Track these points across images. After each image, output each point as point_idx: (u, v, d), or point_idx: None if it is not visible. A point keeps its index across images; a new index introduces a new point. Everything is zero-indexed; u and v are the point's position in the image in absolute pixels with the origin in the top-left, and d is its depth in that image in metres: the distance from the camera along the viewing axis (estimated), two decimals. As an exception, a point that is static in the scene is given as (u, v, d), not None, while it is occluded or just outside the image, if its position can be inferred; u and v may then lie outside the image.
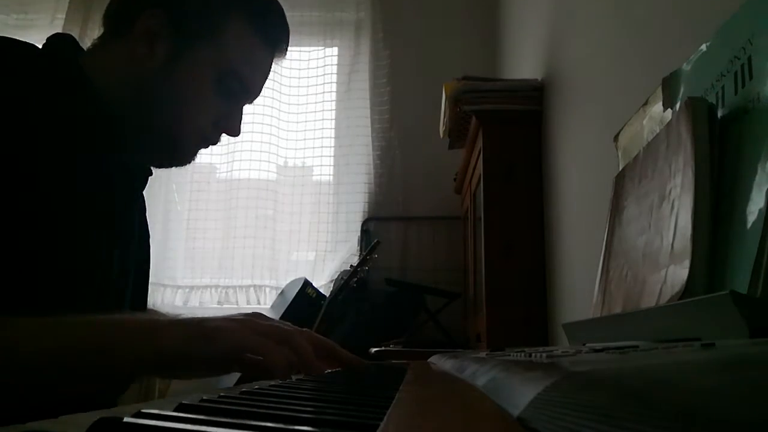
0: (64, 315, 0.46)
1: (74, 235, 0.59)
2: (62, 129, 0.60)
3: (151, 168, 0.76)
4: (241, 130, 0.73)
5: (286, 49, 0.79)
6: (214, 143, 0.72)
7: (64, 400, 0.46)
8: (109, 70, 0.66)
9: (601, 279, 0.60)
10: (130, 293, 0.74)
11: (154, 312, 0.83)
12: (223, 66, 0.68)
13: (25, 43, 0.61)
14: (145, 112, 0.66)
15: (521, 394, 0.19)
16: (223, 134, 0.72)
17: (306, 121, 2.73)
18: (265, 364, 0.48)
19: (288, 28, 0.78)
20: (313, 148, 2.71)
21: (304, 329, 0.56)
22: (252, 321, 0.52)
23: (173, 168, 0.74)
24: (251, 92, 0.73)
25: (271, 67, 0.77)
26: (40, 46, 0.63)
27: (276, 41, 0.76)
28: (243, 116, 0.74)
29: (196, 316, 0.52)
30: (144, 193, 0.78)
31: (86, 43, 0.69)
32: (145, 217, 0.81)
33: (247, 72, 0.70)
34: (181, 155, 0.71)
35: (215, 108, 0.69)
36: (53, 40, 0.66)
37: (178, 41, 0.66)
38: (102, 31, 0.69)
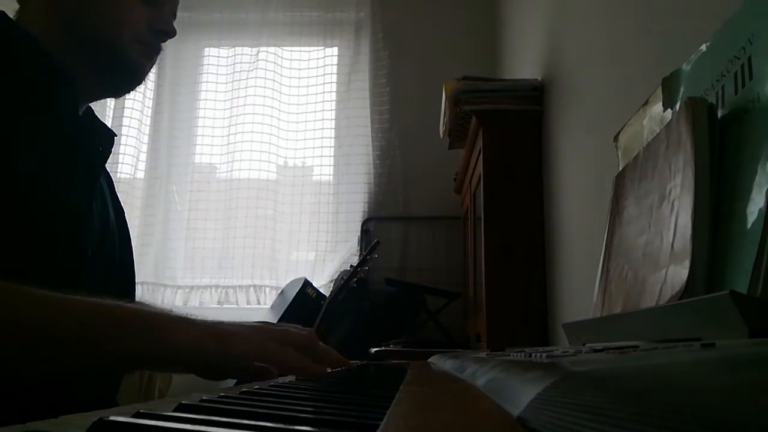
0: (76, 293, 0.46)
1: (47, 198, 0.60)
2: (21, 93, 0.62)
3: (114, 133, 0.78)
4: (176, 31, 0.77)
5: None
6: (156, 49, 0.76)
7: (62, 382, 0.46)
8: (41, 24, 0.68)
9: (601, 279, 0.60)
10: (118, 265, 0.75)
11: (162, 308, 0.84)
12: None
13: None
14: (82, 39, 0.69)
15: (521, 394, 0.19)
16: (162, 34, 0.75)
17: (306, 121, 2.73)
18: (287, 372, 0.49)
19: None
20: (313, 148, 2.71)
21: (309, 330, 0.57)
22: (265, 327, 0.52)
23: (131, 89, 0.77)
24: None
25: None
26: None
27: None
28: (175, 16, 0.78)
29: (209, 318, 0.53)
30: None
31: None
32: (114, 190, 0.83)
33: None
34: (127, 65, 0.72)
35: (143, 12, 0.72)
36: None
37: None
38: None
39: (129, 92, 0.79)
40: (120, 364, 0.48)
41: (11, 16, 0.68)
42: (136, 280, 0.90)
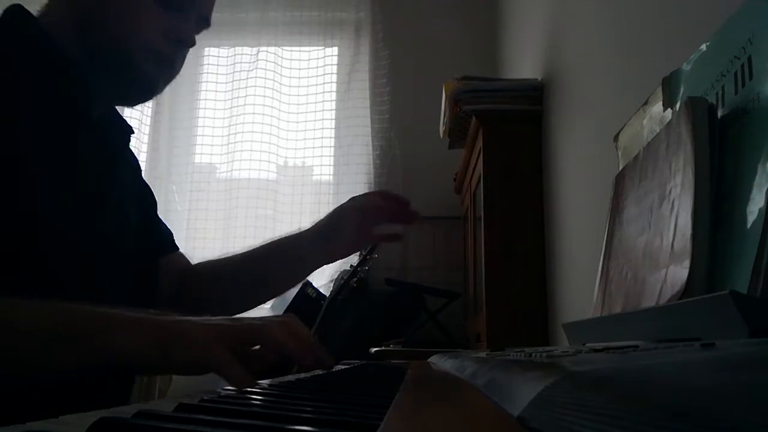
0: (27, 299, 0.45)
1: (52, 195, 0.60)
2: (40, 94, 0.61)
3: (131, 127, 0.79)
4: (194, 41, 0.73)
5: None
6: (172, 58, 0.72)
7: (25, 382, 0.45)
8: (61, 22, 0.67)
9: (601, 279, 0.60)
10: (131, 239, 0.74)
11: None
12: None
13: None
14: (96, 42, 0.67)
15: (521, 394, 0.19)
16: (178, 44, 0.72)
17: (306, 121, 2.73)
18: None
19: None
20: (313, 148, 2.71)
21: (287, 318, 0.53)
22: (222, 326, 0.48)
23: (146, 102, 0.76)
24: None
25: None
26: None
27: None
28: (197, 26, 0.75)
29: (175, 316, 0.49)
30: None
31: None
32: (141, 175, 0.83)
33: None
34: (141, 76, 0.70)
35: (161, 19, 0.69)
36: (8, 11, 0.66)
37: None
38: None
39: (142, 102, 0.77)
40: (62, 373, 0.45)
41: (35, 12, 0.68)
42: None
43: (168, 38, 0.70)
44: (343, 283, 2.09)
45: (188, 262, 0.91)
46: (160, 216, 0.89)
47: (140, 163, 0.87)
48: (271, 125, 2.70)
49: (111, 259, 0.68)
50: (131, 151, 0.82)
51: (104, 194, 0.68)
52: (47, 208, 0.58)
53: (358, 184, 2.60)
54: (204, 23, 0.76)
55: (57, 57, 0.65)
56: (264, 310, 2.39)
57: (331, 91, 2.74)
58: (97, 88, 0.69)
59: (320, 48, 2.78)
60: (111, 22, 0.67)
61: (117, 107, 0.79)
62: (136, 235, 0.75)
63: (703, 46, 0.48)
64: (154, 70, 0.70)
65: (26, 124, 0.59)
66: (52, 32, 0.66)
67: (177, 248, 0.90)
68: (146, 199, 0.84)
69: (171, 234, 0.90)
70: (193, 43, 0.73)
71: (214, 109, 2.78)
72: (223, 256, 0.93)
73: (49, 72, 0.64)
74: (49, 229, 0.58)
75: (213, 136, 2.75)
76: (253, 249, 0.90)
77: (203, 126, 2.77)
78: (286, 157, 2.72)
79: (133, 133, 0.80)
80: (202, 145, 2.74)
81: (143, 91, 0.73)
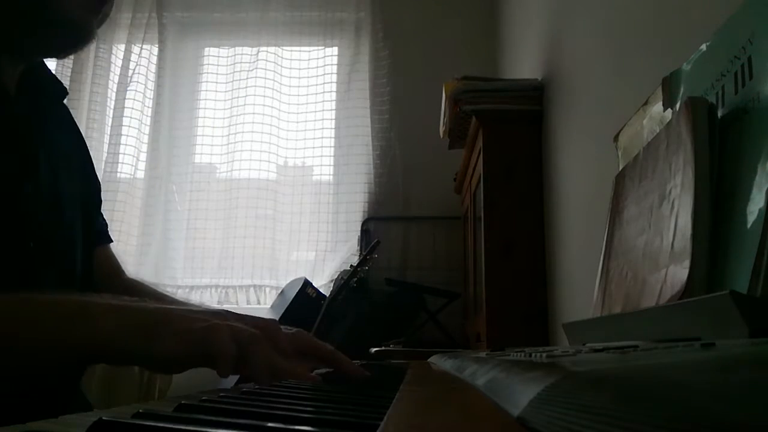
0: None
1: None
2: None
3: (65, 87, 0.72)
4: None
5: None
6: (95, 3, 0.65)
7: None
8: None
9: (601, 279, 0.60)
10: (78, 226, 0.70)
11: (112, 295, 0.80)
12: None
13: None
14: None
15: (521, 394, 0.19)
16: None
17: (306, 121, 2.73)
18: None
19: None
20: (313, 148, 2.71)
21: (273, 325, 0.51)
22: (210, 318, 0.46)
23: (75, 49, 0.66)
24: None
25: None
26: None
27: None
28: None
29: (153, 304, 0.47)
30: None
31: None
32: (78, 131, 0.76)
33: None
34: (66, 21, 0.62)
35: None
36: None
37: None
38: None
39: (75, 52, 0.68)
40: (39, 361, 0.43)
41: None
42: (141, 277, 0.88)
43: None
44: (343, 283, 2.09)
45: (118, 264, 0.86)
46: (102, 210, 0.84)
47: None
48: (271, 125, 2.70)
49: (38, 234, 0.63)
50: (67, 111, 0.75)
51: (19, 182, 0.62)
52: None
53: (358, 184, 2.60)
54: None
55: None
56: (264, 310, 2.39)
57: (331, 91, 2.74)
58: (16, 45, 0.62)
59: (320, 48, 2.78)
60: None
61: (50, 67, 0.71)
62: (75, 209, 0.70)
63: (703, 46, 0.48)
64: (81, 12, 0.62)
65: None
66: None
67: (111, 239, 0.85)
68: (88, 177, 0.77)
69: (106, 224, 0.85)
70: None
71: (214, 109, 2.78)
72: (152, 288, 0.87)
73: None
74: None
75: (213, 136, 2.76)
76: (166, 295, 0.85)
77: (203, 126, 2.77)
78: (286, 157, 2.72)
79: (66, 93, 0.73)
80: (202, 145, 2.74)
81: (73, 37, 0.64)
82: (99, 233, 0.81)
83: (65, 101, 0.77)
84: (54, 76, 0.73)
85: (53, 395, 0.62)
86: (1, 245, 0.58)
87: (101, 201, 0.82)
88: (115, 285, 0.82)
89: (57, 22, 0.61)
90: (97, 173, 0.82)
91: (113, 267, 0.84)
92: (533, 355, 0.31)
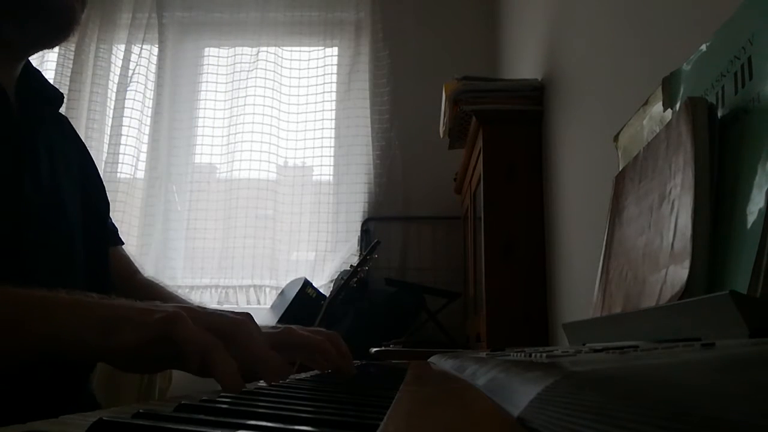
0: None
1: None
2: None
3: (62, 93, 0.73)
4: None
5: None
6: None
7: None
8: None
9: (601, 279, 0.60)
10: (79, 224, 0.71)
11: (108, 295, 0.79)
12: None
13: None
14: None
15: (521, 394, 0.19)
16: None
17: (306, 121, 2.73)
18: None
19: None
20: (313, 148, 2.71)
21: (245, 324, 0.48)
22: (179, 313, 0.43)
23: (61, 38, 0.67)
24: None
25: None
26: None
27: None
28: None
29: (120, 299, 0.46)
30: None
31: None
32: (85, 147, 0.78)
33: None
34: (56, 8, 0.63)
35: None
36: None
37: None
38: None
39: (63, 41, 0.68)
40: (9, 359, 0.42)
41: None
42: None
43: None
44: (343, 283, 2.09)
45: (133, 265, 0.86)
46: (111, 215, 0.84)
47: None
48: (271, 125, 2.70)
49: (41, 239, 0.63)
50: (66, 119, 0.76)
51: (17, 174, 0.62)
52: None
53: (358, 184, 2.60)
54: None
55: None
56: (264, 310, 2.39)
57: (331, 91, 2.74)
58: (5, 40, 0.63)
59: (320, 48, 2.78)
60: None
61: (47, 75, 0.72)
62: (81, 216, 0.71)
63: (703, 46, 0.48)
64: (65, 2, 0.63)
65: None
66: None
67: (122, 242, 0.85)
68: (91, 180, 0.78)
69: (116, 227, 0.86)
70: None
71: (214, 109, 2.78)
72: (167, 288, 0.87)
73: None
74: None
75: (213, 136, 2.76)
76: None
77: (203, 126, 2.77)
78: (286, 157, 2.72)
79: (62, 97, 0.74)
80: (202, 145, 2.75)
81: (62, 24, 0.65)
82: (111, 234, 0.82)
83: (64, 110, 0.76)
84: (50, 83, 0.74)
85: (60, 396, 0.62)
86: (1, 235, 0.59)
87: (109, 203, 0.82)
88: (131, 285, 0.82)
89: (51, 11, 0.62)
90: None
91: (128, 268, 0.85)
92: (533, 355, 0.31)
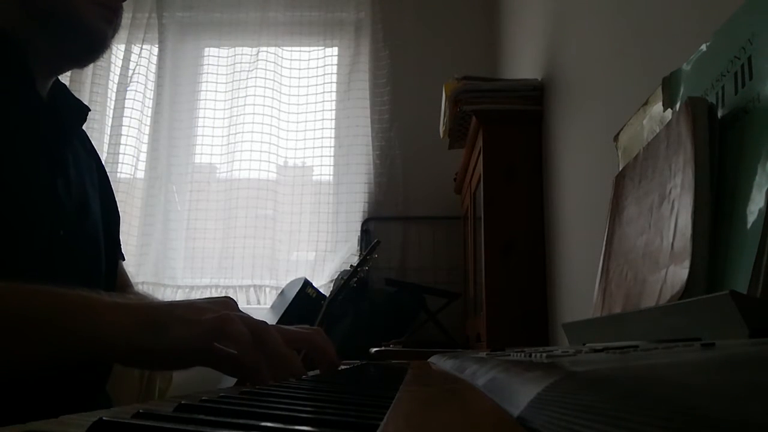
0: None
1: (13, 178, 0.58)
2: None
3: (87, 107, 0.77)
4: None
5: None
6: (116, 10, 0.70)
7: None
8: None
9: (601, 279, 0.60)
10: (100, 229, 0.73)
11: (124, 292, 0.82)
12: None
13: None
14: (35, 4, 0.65)
15: (521, 394, 0.19)
16: None
17: (306, 121, 2.73)
18: (240, 361, 0.44)
19: None
20: (313, 148, 2.71)
21: (271, 325, 0.51)
22: (219, 316, 0.46)
23: (93, 58, 0.71)
24: None
25: None
26: None
27: None
28: None
29: (157, 300, 0.49)
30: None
31: None
32: (101, 161, 0.82)
33: None
34: (85, 30, 0.67)
35: None
36: None
37: None
38: None
39: (93, 61, 0.73)
40: (42, 360, 0.42)
41: None
42: (137, 280, 0.90)
43: None
44: (343, 283, 2.09)
45: (129, 279, 0.89)
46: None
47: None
48: (271, 125, 2.70)
49: (57, 246, 0.64)
50: (84, 134, 0.79)
51: (51, 177, 0.65)
52: None
53: (358, 184, 2.60)
54: None
55: None
56: (264, 310, 2.39)
57: (331, 91, 2.74)
58: (41, 55, 0.66)
59: (320, 48, 2.78)
60: None
61: (71, 88, 0.77)
62: (97, 226, 0.73)
63: (703, 46, 0.48)
64: (101, 23, 0.68)
65: None
66: None
67: (124, 257, 0.88)
68: (106, 193, 0.81)
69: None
70: None
71: (214, 109, 2.78)
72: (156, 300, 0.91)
73: None
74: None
75: (213, 136, 2.76)
76: None
77: (203, 126, 2.77)
78: (286, 157, 2.73)
79: (89, 110, 0.77)
80: (202, 145, 2.75)
81: (93, 47, 0.69)
82: (118, 248, 0.85)
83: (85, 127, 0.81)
84: (77, 98, 0.78)
85: (79, 397, 0.63)
86: (34, 231, 0.60)
87: (119, 218, 0.85)
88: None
89: (84, 34, 0.67)
90: None
91: (124, 281, 0.88)
92: (533, 355, 0.31)
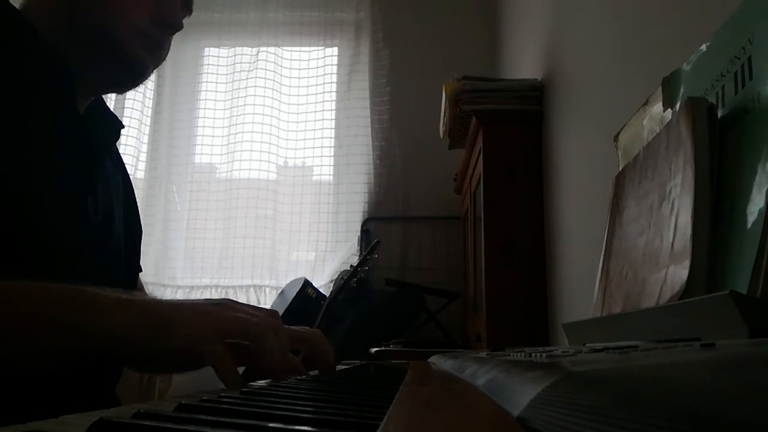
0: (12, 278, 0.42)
1: (34, 193, 0.58)
2: (14, 82, 0.60)
3: (121, 122, 0.78)
4: (182, 24, 0.72)
5: None
6: (158, 43, 0.71)
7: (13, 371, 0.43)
8: (45, 12, 0.66)
9: (601, 279, 0.60)
10: (122, 245, 0.74)
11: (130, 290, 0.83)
12: None
13: None
14: (83, 28, 0.66)
15: (521, 394, 0.19)
16: (165, 27, 0.71)
17: (306, 121, 2.73)
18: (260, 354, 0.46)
19: None
20: (313, 148, 2.71)
21: (277, 325, 0.53)
22: (219, 312, 0.47)
23: (133, 86, 0.73)
24: None
25: None
26: None
27: None
28: (182, 5, 0.73)
29: (163, 298, 0.49)
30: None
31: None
32: (128, 175, 0.83)
33: None
34: (130, 59, 0.68)
35: (147, 2, 0.68)
36: None
37: None
38: None
39: (132, 88, 0.75)
40: (48, 356, 0.43)
41: (18, 5, 0.67)
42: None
43: (155, 21, 0.69)
44: (343, 283, 2.09)
45: (144, 289, 0.91)
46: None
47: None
48: (271, 125, 2.70)
49: (83, 261, 0.65)
50: (115, 148, 0.81)
51: (86, 192, 0.67)
52: (26, 203, 0.57)
53: (358, 184, 2.60)
54: (187, 10, 0.75)
55: (39, 47, 0.64)
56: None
57: (331, 91, 2.74)
58: (84, 75, 0.67)
59: (320, 48, 2.78)
60: (96, 7, 0.66)
61: (106, 99, 0.78)
62: (123, 240, 0.74)
63: (703, 46, 0.48)
64: (142, 53, 0.69)
65: (5, 117, 0.57)
66: (35, 22, 0.64)
67: (141, 269, 0.89)
68: (131, 209, 0.83)
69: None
70: (180, 27, 0.72)
71: (214, 109, 2.79)
72: None
73: (30, 63, 0.63)
74: (29, 226, 0.57)
75: (213, 136, 2.76)
76: None
77: (203, 126, 2.77)
78: (286, 157, 2.73)
79: (122, 127, 0.79)
80: (202, 145, 2.75)
81: (133, 74, 0.71)
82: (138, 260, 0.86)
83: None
84: (114, 114, 0.79)
85: (89, 398, 0.63)
86: (62, 248, 0.61)
87: (142, 231, 0.85)
88: None
89: (124, 61, 0.68)
90: None
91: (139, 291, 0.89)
92: (533, 355, 0.31)
